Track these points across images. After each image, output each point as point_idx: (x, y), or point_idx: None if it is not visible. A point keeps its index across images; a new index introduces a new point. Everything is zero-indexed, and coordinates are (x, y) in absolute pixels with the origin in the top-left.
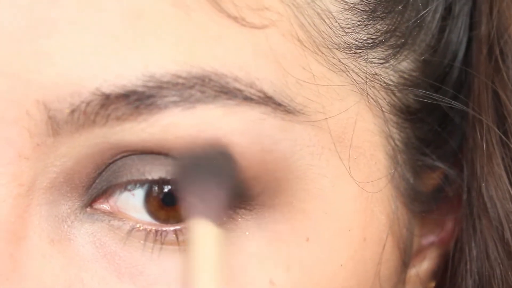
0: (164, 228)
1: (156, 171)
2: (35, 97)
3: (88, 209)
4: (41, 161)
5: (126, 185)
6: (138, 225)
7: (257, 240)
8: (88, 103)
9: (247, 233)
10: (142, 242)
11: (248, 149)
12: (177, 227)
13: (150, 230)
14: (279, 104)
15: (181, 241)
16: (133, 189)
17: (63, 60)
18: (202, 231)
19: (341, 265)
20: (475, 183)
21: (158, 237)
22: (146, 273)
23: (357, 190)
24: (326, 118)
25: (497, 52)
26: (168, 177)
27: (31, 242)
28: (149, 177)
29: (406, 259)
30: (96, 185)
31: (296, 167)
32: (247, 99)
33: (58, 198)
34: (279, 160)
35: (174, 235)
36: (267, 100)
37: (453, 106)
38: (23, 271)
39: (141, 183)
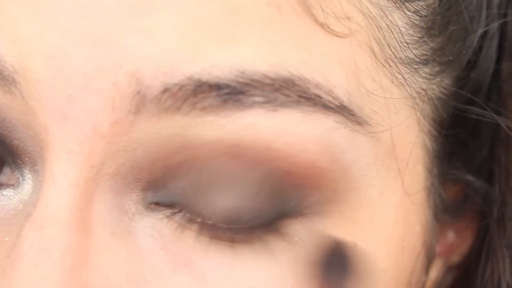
0: None
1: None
2: (128, 68)
3: (151, 205)
4: (114, 143)
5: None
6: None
7: (307, 245)
8: (181, 87)
9: (296, 238)
10: (195, 233)
11: (320, 158)
12: None
13: (204, 222)
14: (352, 114)
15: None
16: None
17: (161, 38)
18: None
19: (383, 271)
20: (508, 197)
21: (211, 230)
22: (200, 265)
23: (399, 200)
24: (385, 130)
25: None
26: None
27: (95, 234)
28: None
29: (428, 268)
30: (163, 197)
31: (355, 178)
32: (326, 107)
33: (121, 187)
34: (342, 171)
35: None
36: (341, 109)
37: (483, 120)
38: (91, 264)
39: None
